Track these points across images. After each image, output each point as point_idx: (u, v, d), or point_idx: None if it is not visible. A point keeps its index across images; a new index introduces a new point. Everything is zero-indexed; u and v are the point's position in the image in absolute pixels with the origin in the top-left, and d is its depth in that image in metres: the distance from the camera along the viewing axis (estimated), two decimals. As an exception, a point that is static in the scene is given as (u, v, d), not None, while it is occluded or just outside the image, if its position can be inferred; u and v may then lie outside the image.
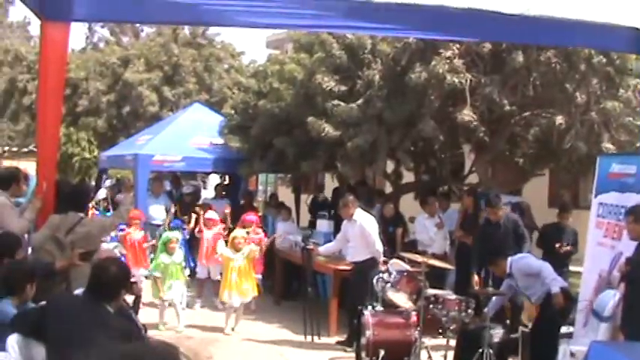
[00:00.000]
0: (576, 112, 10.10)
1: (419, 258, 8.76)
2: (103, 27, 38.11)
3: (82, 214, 7.25)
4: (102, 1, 7.36)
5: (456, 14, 6.99)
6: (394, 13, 7.12)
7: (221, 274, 10.90)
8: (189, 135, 15.55)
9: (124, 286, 5.01)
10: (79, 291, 5.56)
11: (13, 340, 4.74)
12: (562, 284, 8.17)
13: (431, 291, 8.50)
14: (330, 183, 17.08)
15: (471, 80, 9.84)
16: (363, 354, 8.42)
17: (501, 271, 8.46)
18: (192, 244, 13.20)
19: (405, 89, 10.19)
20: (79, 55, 25.44)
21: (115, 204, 13.71)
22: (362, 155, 10.97)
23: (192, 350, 8.77)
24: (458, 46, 9.89)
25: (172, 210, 13.83)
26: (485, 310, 8.32)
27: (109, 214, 14.48)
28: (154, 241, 11.65)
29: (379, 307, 8.72)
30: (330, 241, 10.60)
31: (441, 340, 8.86)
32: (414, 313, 8.49)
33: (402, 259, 9.42)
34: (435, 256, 9.88)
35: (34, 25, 38.96)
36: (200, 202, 15.46)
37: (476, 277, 9.20)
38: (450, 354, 8.38)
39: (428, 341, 8.67)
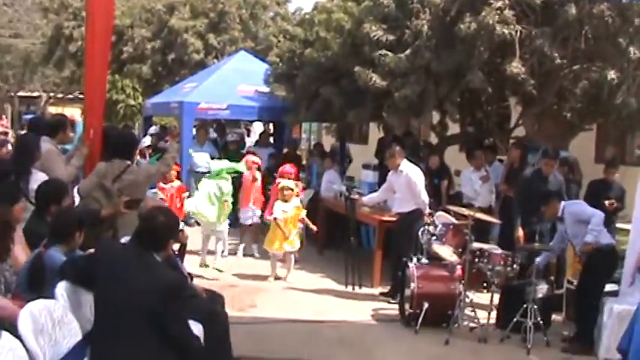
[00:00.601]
0: (629, 67, 9.83)
1: (465, 211, 8.68)
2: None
3: (128, 162, 7.26)
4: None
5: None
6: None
7: (261, 217, 11.33)
8: (235, 83, 15.52)
9: (174, 235, 5.02)
10: (125, 239, 5.61)
11: (61, 287, 4.79)
12: (608, 240, 8.04)
13: (476, 245, 8.46)
14: (375, 133, 16.97)
15: (521, 32, 9.61)
16: (407, 306, 8.43)
17: (552, 214, 8.32)
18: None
19: (454, 40, 10.00)
20: (125, 2, 25.28)
21: (160, 151, 13.74)
22: (409, 106, 10.84)
23: (235, 298, 8.88)
24: (509, -4, 9.65)
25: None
26: (534, 264, 8.23)
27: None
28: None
29: (424, 260, 8.70)
30: (375, 191, 10.56)
31: (485, 295, 8.85)
32: (458, 266, 8.46)
33: (448, 211, 9.35)
34: (480, 209, 9.77)
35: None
36: (244, 150, 15.45)
37: (520, 232, 9.09)
38: (494, 314, 8.36)
39: (472, 295, 8.66)
